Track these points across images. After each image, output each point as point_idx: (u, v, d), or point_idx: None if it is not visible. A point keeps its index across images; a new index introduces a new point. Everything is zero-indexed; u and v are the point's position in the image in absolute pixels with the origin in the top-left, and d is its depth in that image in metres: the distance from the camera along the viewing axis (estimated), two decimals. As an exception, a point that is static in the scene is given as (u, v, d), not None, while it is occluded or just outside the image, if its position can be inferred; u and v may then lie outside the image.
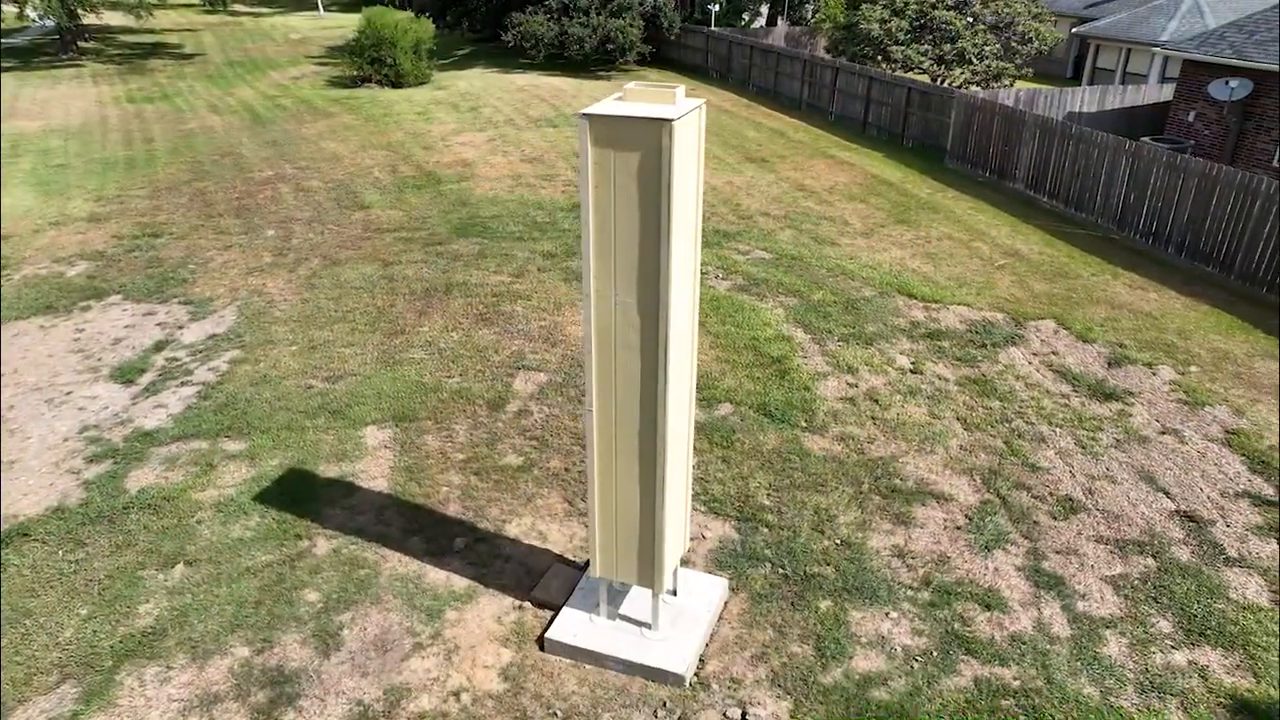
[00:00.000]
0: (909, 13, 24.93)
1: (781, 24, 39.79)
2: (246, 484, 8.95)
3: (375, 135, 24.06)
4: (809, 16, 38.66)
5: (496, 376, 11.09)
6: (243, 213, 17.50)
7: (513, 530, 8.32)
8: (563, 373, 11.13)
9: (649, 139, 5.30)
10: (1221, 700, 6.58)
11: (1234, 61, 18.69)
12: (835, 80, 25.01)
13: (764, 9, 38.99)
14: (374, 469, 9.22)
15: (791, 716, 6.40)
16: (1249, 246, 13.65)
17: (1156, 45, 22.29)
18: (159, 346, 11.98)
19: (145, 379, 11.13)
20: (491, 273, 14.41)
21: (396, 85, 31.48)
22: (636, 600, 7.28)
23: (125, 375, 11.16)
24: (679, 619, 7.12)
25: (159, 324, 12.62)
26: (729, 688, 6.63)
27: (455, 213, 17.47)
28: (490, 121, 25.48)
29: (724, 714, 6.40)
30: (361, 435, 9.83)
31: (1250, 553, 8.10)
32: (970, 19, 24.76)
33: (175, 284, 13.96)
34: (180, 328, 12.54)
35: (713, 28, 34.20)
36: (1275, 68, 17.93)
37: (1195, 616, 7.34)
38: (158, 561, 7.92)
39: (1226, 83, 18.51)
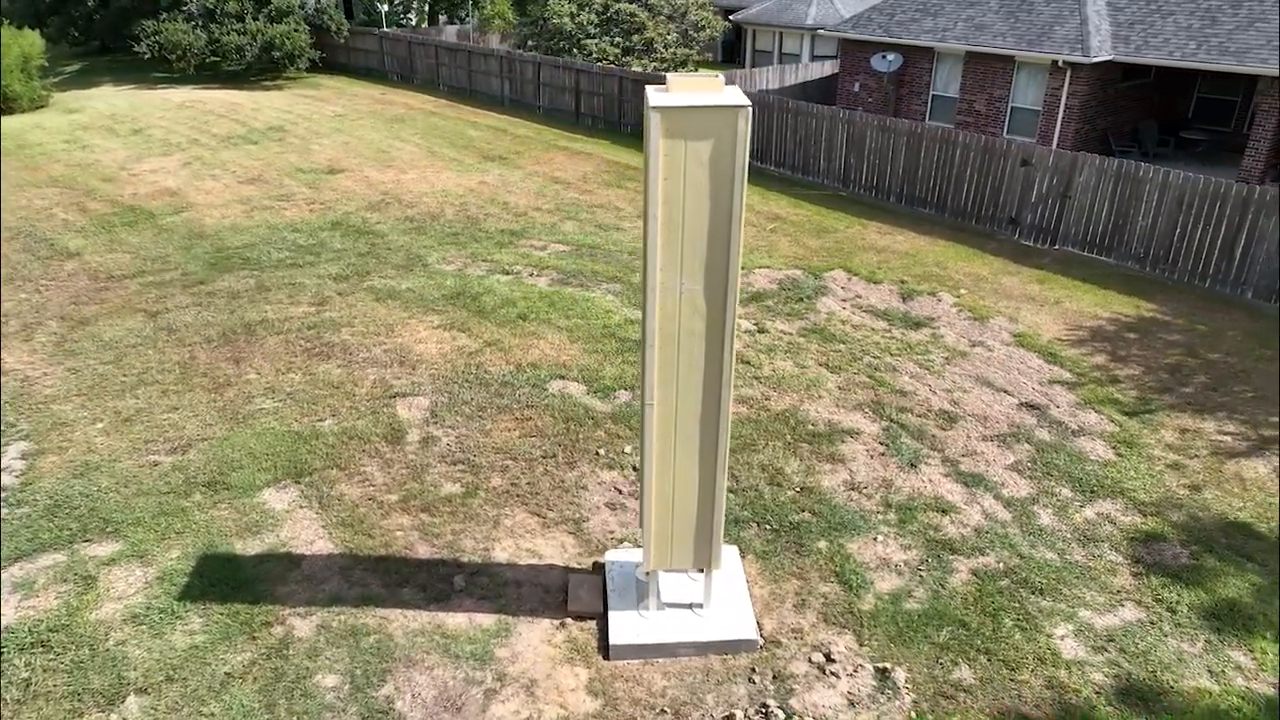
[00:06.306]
0: (595, 6, 26.14)
1: (444, 23, 39.35)
2: (156, 586, 7.48)
3: (26, 172, 20.18)
4: (467, 15, 38.65)
5: (374, 410, 10.22)
6: (-97, 281, 13.93)
7: (502, 555, 7.91)
8: (445, 393, 10.56)
9: (723, 126, 5.45)
10: (1133, 536, 8.31)
11: (884, 39, 22.26)
12: (539, 75, 25.53)
13: (425, 8, 38.28)
14: (304, 532, 8.17)
15: (861, 645, 6.99)
16: (956, 189, 16.59)
17: (821, 29, 25.71)
18: (-102, 458, 9.36)
19: (-95, 500, 8.68)
20: (288, 305, 13.05)
21: (7, 111, 26.41)
22: (672, 586, 7.37)
23: (-128, 502, 8.62)
24: (718, 591, 7.35)
25: (-124, 432, 9.82)
26: (796, 638, 7.04)
27: (197, 247, 15.42)
28: (171, 144, 22.50)
29: (809, 660, 6.81)
30: (261, 501, 8.61)
31: (1084, 423, 10.16)
32: (649, 11, 26.58)
33: None
34: (-88, 431, 9.88)
35: (385, 28, 32.96)
36: (918, 43, 21.69)
37: (1080, 480, 9.11)
38: (96, 702, 6.44)
39: (884, 57, 22.02)
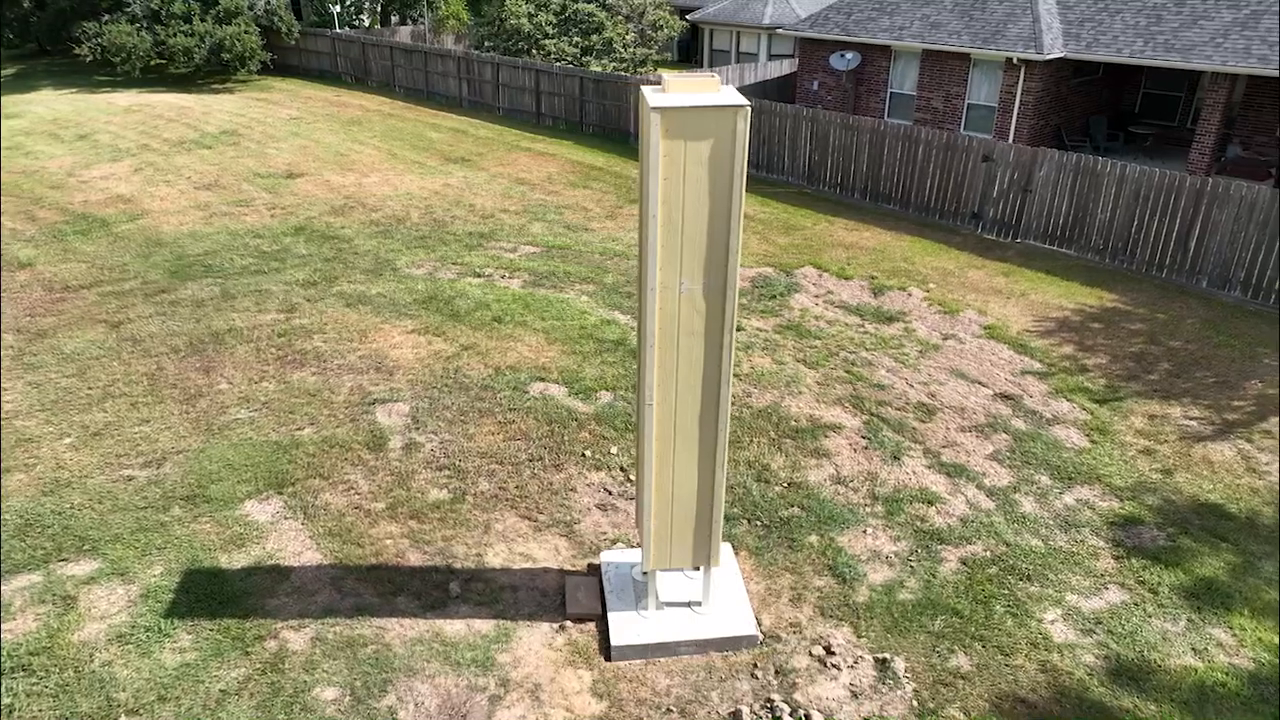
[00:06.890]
0: (553, 6, 26.04)
1: (396, 23, 38.87)
2: (140, 604, 7.29)
3: (-31, 180, 19.46)
4: (421, 15, 38.22)
5: (353, 417, 10.07)
6: None
7: (495, 560, 7.85)
8: (426, 398, 10.44)
9: (722, 126, 5.47)
10: (1111, 520, 8.54)
11: (842, 37, 22.53)
12: (498, 76, 25.35)
13: (378, 8, 37.77)
14: (291, 544, 8.02)
15: (859, 636, 7.07)
16: (919, 185, 16.85)
17: (779, 28, 25.90)
18: None
19: None
20: (256, 313, 12.79)
21: (-54, 117, 25.47)
22: (669, 585, 7.38)
23: None
24: (716, 589, 7.37)
25: None
26: (794, 632, 7.10)
27: (156, 255, 15.03)
28: (120, 150, 21.87)
29: (809, 653, 6.87)
30: (244, 513, 8.43)
31: (1057, 412, 10.40)
32: (607, 10, 26.56)
33: None
34: None
35: (338, 29, 32.44)
36: (875, 41, 21.99)
37: (1058, 467, 9.33)
38: (85, 726, 6.25)
39: (843, 55, 22.28)
